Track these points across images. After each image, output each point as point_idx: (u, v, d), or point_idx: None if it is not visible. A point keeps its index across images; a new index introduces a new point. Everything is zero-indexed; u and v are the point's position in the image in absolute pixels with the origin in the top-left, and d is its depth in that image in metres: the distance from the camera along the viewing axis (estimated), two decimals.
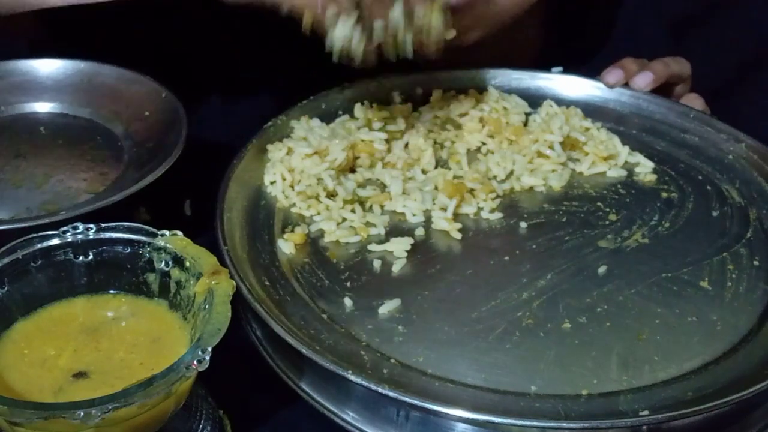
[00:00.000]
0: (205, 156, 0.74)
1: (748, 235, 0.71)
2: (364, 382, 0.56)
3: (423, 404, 0.55)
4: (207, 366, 0.49)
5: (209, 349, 0.49)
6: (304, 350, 0.58)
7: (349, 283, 0.66)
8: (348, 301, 0.64)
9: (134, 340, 0.55)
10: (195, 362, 0.49)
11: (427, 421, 0.57)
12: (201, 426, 0.57)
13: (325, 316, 0.63)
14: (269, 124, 0.78)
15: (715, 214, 0.73)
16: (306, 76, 0.82)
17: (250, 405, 0.62)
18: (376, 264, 0.68)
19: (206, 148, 0.75)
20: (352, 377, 0.56)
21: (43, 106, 0.84)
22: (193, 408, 0.57)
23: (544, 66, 0.89)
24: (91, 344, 0.55)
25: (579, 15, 0.96)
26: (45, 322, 0.56)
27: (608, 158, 0.78)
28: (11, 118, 0.83)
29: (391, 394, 0.55)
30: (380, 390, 0.55)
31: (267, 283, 0.65)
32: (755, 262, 0.68)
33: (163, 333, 0.56)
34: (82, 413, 0.46)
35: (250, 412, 0.61)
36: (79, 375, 0.53)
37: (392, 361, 0.59)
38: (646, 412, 0.55)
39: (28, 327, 0.55)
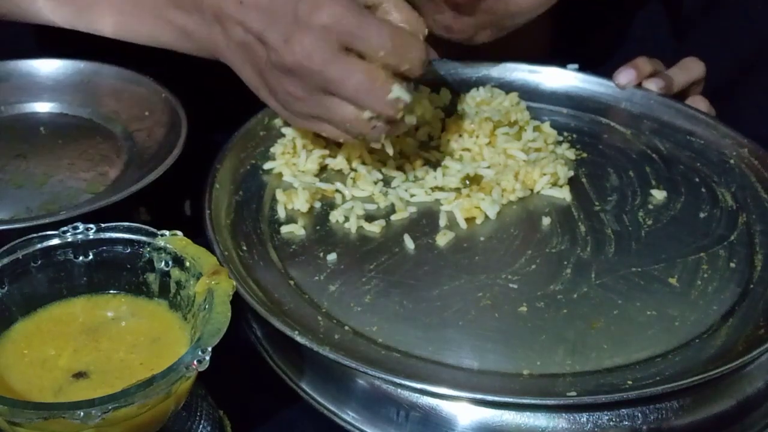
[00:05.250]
0: (205, 156, 0.74)
1: (732, 238, 0.71)
2: (307, 343, 0.58)
3: (357, 367, 0.57)
4: (207, 366, 0.49)
5: (209, 349, 0.49)
6: (259, 309, 0.60)
7: (321, 254, 0.68)
8: (316, 271, 0.66)
9: (134, 340, 0.55)
10: (195, 362, 0.49)
11: (427, 421, 0.57)
12: (201, 426, 0.57)
13: (292, 283, 0.65)
14: None
15: (702, 215, 0.73)
16: None
17: (250, 405, 0.62)
18: (352, 237, 0.70)
19: (206, 148, 0.76)
20: (299, 338, 0.58)
21: (43, 106, 0.84)
22: (193, 408, 0.57)
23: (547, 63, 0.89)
24: (91, 344, 0.55)
25: (581, 13, 0.96)
26: (45, 322, 0.56)
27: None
28: (11, 118, 0.83)
29: (331, 355, 0.57)
30: (322, 351, 0.57)
31: (244, 248, 0.68)
32: (732, 265, 0.68)
33: (163, 333, 0.56)
34: (82, 413, 0.46)
35: (250, 412, 0.61)
36: (79, 375, 0.53)
37: (346, 328, 0.61)
38: (573, 393, 0.56)
39: (28, 327, 0.55)
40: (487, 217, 0.72)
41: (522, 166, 0.75)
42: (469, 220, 0.71)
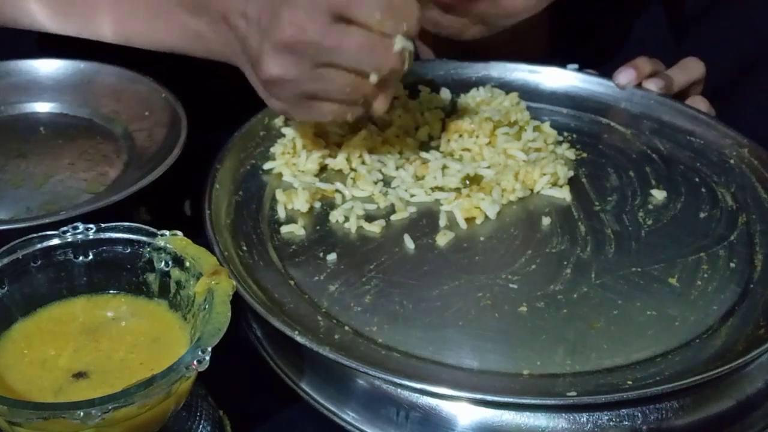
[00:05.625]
0: (205, 156, 0.74)
1: (732, 238, 0.71)
2: (307, 343, 0.58)
3: (357, 367, 0.57)
4: (207, 366, 0.49)
5: (209, 349, 0.49)
6: (259, 309, 0.60)
7: (321, 254, 0.68)
8: (316, 270, 0.66)
9: (134, 340, 0.55)
10: (195, 362, 0.49)
11: (427, 421, 0.57)
12: (201, 426, 0.57)
13: (292, 282, 0.65)
14: None
15: (702, 215, 0.73)
16: None
17: (250, 405, 0.62)
18: (352, 237, 0.70)
19: (206, 148, 0.76)
20: (299, 338, 0.58)
21: (43, 106, 0.84)
22: (193, 408, 0.57)
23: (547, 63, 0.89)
24: (91, 344, 0.55)
25: (581, 14, 0.96)
26: (45, 322, 0.56)
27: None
28: (11, 118, 0.83)
29: (331, 355, 0.57)
30: (322, 352, 0.57)
31: (244, 248, 0.68)
32: (731, 264, 0.68)
33: (163, 333, 0.56)
34: (82, 413, 0.46)
35: (250, 412, 0.61)
36: (79, 375, 0.53)
37: (346, 328, 0.61)
38: (573, 393, 0.56)
39: (28, 327, 0.55)
40: (487, 217, 0.72)
41: (522, 166, 0.75)
42: (469, 220, 0.71)
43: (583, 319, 0.63)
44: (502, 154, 0.77)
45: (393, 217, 0.72)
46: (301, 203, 0.72)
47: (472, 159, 0.77)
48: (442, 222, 0.71)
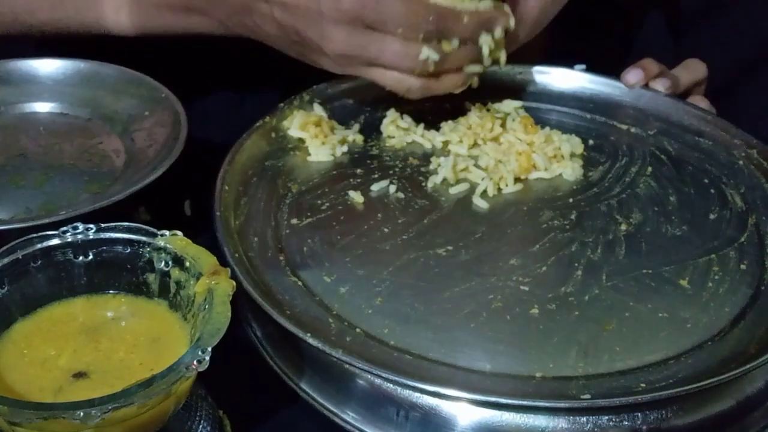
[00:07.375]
0: (205, 156, 0.74)
1: (742, 239, 0.71)
2: (319, 345, 0.57)
3: (371, 370, 0.56)
4: (207, 366, 0.49)
5: (209, 349, 0.49)
6: (271, 312, 0.59)
7: (331, 256, 0.67)
8: (326, 272, 0.66)
9: (134, 340, 0.55)
10: (195, 362, 0.49)
11: (427, 421, 0.57)
12: (201, 426, 0.57)
13: (302, 285, 0.64)
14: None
15: (712, 216, 0.73)
16: (306, 75, 0.82)
17: (250, 405, 0.62)
18: (362, 239, 0.69)
19: (206, 148, 0.75)
20: (311, 340, 0.57)
21: (43, 106, 0.83)
22: (193, 408, 0.57)
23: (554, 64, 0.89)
24: (91, 344, 0.55)
25: (580, 15, 0.96)
26: (45, 322, 0.56)
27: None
28: (11, 118, 0.82)
29: (344, 358, 0.57)
30: (335, 354, 0.57)
31: (255, 250, 0.67)
32: (742, 266, 0.68)
33: (162, 333, 0.56)
34: (81, 413, 0.46)
35: (250, 412, 0.61)
36: (79, 375, 0.53)
37: (357, 330, 0.61)
38: (587, 396, 0.55)
39: (28, 327, 0.55)
40: (495, 217, 0.72)
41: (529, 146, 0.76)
42: (477, 219, 0.71)
43: (595, 321, 0.62)
44: (507, 141, 0.78)
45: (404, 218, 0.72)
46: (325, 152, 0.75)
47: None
48: (445, 222, 0.71)
